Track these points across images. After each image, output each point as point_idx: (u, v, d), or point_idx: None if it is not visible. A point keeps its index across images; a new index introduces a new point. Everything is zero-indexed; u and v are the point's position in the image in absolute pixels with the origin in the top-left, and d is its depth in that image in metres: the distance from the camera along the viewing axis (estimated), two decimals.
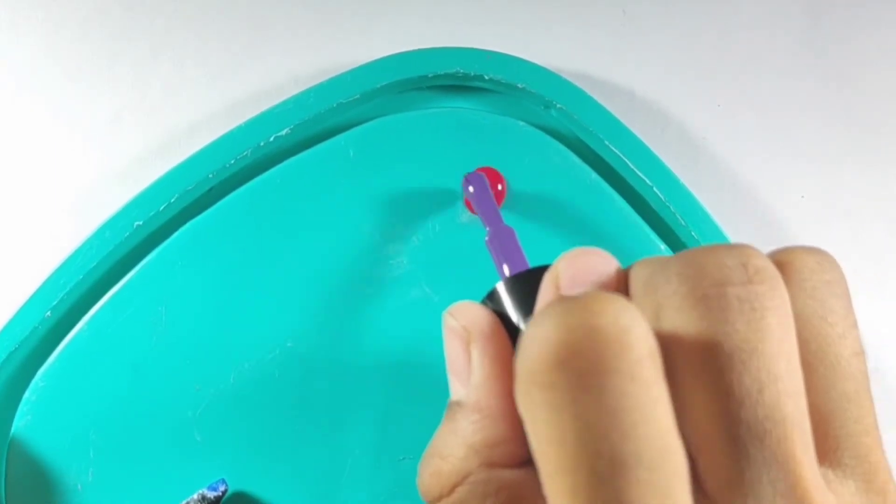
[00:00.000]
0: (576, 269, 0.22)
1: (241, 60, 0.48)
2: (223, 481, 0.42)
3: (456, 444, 0.23)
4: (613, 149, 0.45)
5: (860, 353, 0.21)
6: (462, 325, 0.24)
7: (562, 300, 0.19)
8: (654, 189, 0.45)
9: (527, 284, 0.24)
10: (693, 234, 0.45)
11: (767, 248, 0.49)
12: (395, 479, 0.43)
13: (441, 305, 0.44)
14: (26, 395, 0.42)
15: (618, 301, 0.18)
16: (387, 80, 0.45)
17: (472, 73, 0.45)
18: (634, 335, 0.18)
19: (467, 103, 0.47)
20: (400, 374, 0.44)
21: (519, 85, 0.45)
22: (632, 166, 0.45)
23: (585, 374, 0.18)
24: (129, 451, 0.42)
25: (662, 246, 0.45)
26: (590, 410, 0.17)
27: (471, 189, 0.41)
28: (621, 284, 0.22)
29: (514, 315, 0.24)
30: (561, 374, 0.18)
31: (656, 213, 0.46)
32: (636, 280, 0.21)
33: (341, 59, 0.47)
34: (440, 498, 0.23)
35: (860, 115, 0.51)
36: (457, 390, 0.24)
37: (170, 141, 0.47)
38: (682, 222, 0.45)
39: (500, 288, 0.25)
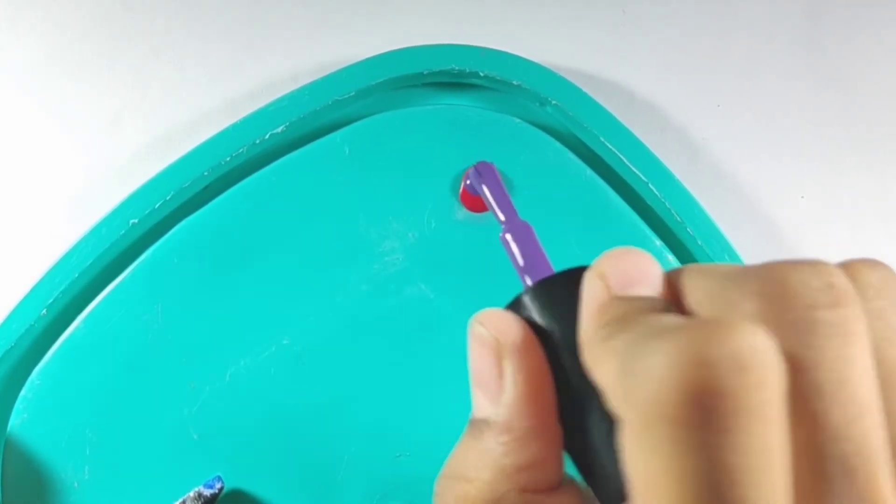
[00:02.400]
0: (623, 269, 0.21)
1: (240, 60, 0.48)
2: (219, 478, 0.42)
3: (483, 465, 0.22)
4: (609, 145, 0.45)
5: None
6: (494, 335, 0.22)
7: (693, 325, 0.17)
8: (650, 185, 0.45)
9: (558, 289, 0.22)
10: (689, 230, 0.44)
11: (768, 247, 0.48)
12: (390, 477, 0.43)
13: (437, 302, 0.44)
14: (22, 392, 0.42)
15: (759, 332, 0.17)
16: (382, 77, 0.45)
17: (468, 70, 0.45)
18: (776, 373, 0.17)
19: (463, 100, 0.47)
20: (396, 372, 0.43)
21: (514, 82, 0.45)
22: (627, 163, 0.45)
23: (724, 412, 0.16)
24: (126, 449, 0.42)
25: (658, 242, 0.44)
26: (723, 452, 0.16)
27: (484, 188, 0.40)
28: (671, 289, 0.21)
29: (546, 323, 0.22)
30: (696, 410, 0.16)
31: (652, 209, 0.45)
32: (696, 290, 0.20)
33: (339, 57, 0.47)
34: None
35: (860, 115, 0.50)
36: (482, 406, 0.22)
37: (169, 140, 0.47)
38: (678, 218, 0.44)
39: (530, 295, 0.22)
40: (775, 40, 0.51)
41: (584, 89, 0.46)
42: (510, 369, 0.21)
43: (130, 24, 0.48)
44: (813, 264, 0.19)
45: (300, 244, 0.44)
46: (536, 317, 0.22)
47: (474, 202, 0.44)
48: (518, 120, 0.45)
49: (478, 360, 0.22)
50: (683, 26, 0.51)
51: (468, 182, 0.42)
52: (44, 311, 0.43)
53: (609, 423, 0.20)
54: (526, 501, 0.21)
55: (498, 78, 0.45)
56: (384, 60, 0.45)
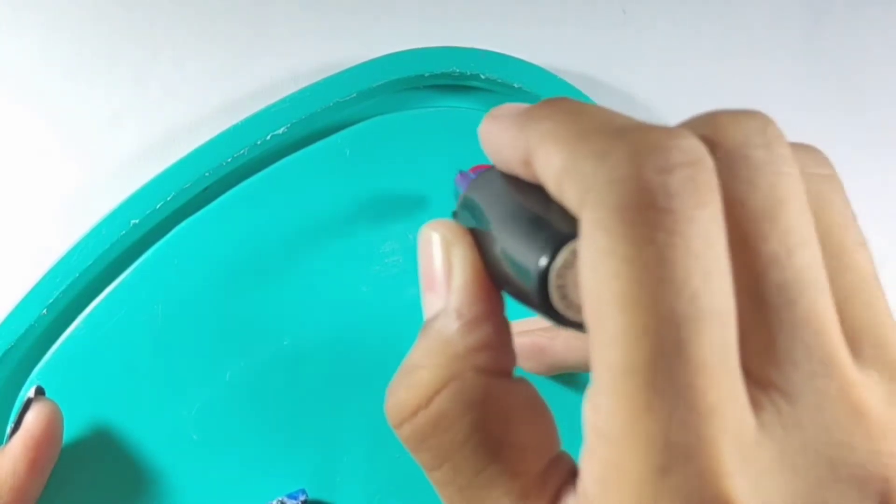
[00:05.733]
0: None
1: (240, 60, 0.48)
2: (304, 491, 0.42)
3: (436, 351, 0.22)
4: None
5: (864, 244, 0.20)
6: (444, 234, 0.23)
7: (644, 127, 0.18)
8: None
9: (478, 189, 0.24)
10: None
11: None
12: (390, 478, 0.43)
13: None
14: (22, 393, 0.42)
15: (694, 137, 0.18)
16: (383, 80, 0.45)
17: (469, 73, 0.45)
18: (714, 176, 0.18)
19: (463, 103, 0.47)
20: (395, 373, 0.43)
21: (515, 84, 0.45)
22: None
23: (679, 211, 0.17)
24: (125, 450, 0.42)
25: None
26: (675, 250, 0.17)
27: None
28: None
29: (474, 222, 0.24)
30: (653, 211, 0.17)
31: None
32: None
33: (340, 59, 0.47)
34: (416, 411, 0.22)
35: (862, 115, 0.50)
36: (433, 305, 0.23)
37: (169, 141, 0.47)
38: None
39: (460, 203, 0.25)
40: (776, 40, 0.51)
41: (585, 92, 0.46)
42: (459, 256, 0.23)
43: (130, 24, 0.48)
44: (748, 111, 0.20)
45: (300, 245, 0.44)
46: (467, 221, 0.24)
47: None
48: None
49: (429, 260, 0.23)
50: (683, 27, 0.51)
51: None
52: (44, 311, 0.43)
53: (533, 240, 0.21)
54: (479, 381, 0.21)
55: (499, 80, 0.45)
56: (385, 63, 0.45)
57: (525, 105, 0.22)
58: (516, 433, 0.21)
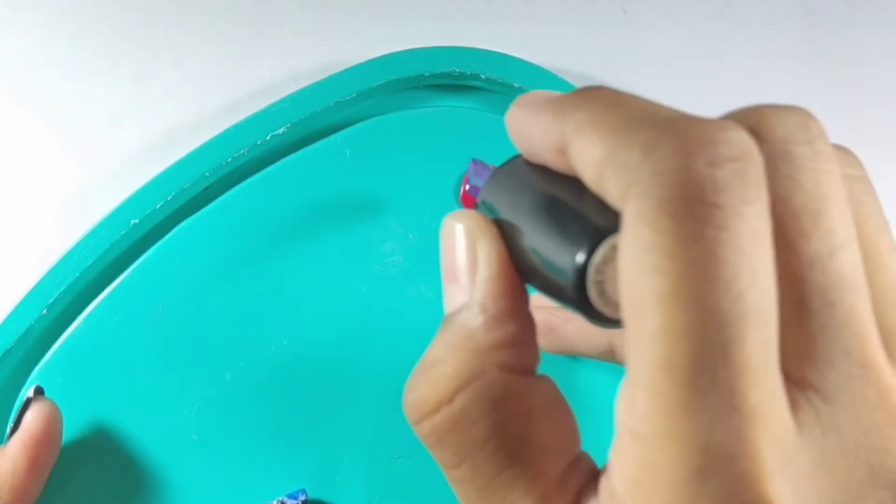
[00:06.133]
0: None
1: (240, 60, 0.48)
2: (304, 491, 0.42)
3: (458, 345, 0.21)
4: None
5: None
6: (469, 225, 0.23)
7: (689, 118, 0.18)
8: None
9: (501, 179, 0.24)
10: None
11: None
12: (390, 478, 0.43)
13: (437, 304, 0.44)
14: (22, 393, 0.42)
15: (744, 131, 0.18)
16: (383, 79, 0.45)
17: (469, 73, 0.45)
18: (763, 171, 0.17)
19: (463, 102, 0.47)
20: (396, 373, 0.43)
21: (515, 84, 0.45)
22: None
23: (726, 206, 0.16)
24: (125, 450, 0.42)
25: None
26: (721, 246, 0.16)
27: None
28: None
29: (501, 211, 0.23)
30: (700, 206, 0.16)
31: None
32: None
33: (340, 59, 0.47)
34: (438, 408, 0.21)
35: (861, 116, 0.50)
36: (456, 298, 0.22)
37: (169, 141, 0.47)
38: None
39: (482, 197, 0.24)
40: (776, 41, 0.51)
41: None
42: (484, 250, 0.22)
43: (130, 25, 0.48)
44: (791, 107, 0.19)
45: (300, 245, 0.44)
46: (491, 212, 0.24)
47: (474, 204, 0.44)
48: None
49: (452, 252, 0.23)
50: (683, 27, 0.51)
51: (468, 187, 0.42)
52: (44, 311, 0.43)
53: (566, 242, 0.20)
54: (501, 379, 0.21)
55: (499, 80, 0.45)
56: (385, 62, 0.45)
57: (556, 92, 0.22)
58: (538, 433, 0.21)
